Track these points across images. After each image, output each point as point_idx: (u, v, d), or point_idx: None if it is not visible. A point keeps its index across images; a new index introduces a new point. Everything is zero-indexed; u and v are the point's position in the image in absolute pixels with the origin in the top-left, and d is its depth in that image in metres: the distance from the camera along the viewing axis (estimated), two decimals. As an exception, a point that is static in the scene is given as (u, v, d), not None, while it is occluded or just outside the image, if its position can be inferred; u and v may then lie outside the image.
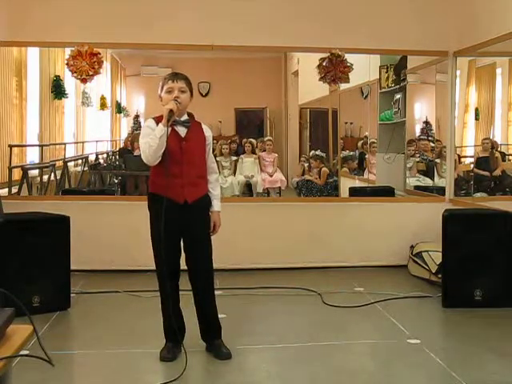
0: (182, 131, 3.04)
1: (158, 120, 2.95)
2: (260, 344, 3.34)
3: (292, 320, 3.82)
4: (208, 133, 3.16)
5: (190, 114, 3.12)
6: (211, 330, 3.17)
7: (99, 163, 6.63)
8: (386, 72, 6.09)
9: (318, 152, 6.45)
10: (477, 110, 5.42)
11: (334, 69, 5.14)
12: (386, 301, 4.17)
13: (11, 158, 5.52)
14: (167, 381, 2.77)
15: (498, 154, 5.19)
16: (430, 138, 6.04)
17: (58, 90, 6.13)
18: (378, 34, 5.10)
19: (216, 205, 3.15)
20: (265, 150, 6.53)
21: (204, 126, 3.17)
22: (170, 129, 2.91)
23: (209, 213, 3.14)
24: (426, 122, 6.10)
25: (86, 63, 4.84)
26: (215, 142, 6.23)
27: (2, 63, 5.45)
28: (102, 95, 6.51)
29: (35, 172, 5.82)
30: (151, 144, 2.89)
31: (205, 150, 3.12)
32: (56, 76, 6.12)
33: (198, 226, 3.09)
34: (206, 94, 6.50)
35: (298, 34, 5.07)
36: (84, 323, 3.75)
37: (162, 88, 3.05)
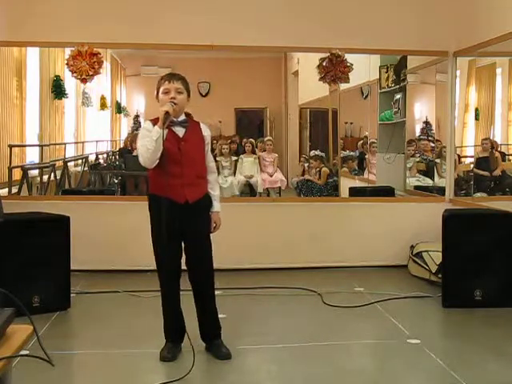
0: (179, 131, 3.03)
1: (154, 122, 2.94)
2: (260, 344, 3.34)
3: (292, 320, 3.82)
4: (206, 132, 3.15)
5: (187, 114, 3.12)
6: (211, 330, 3.17)
7: (99, 163, 6.63)
8: (386, 72, 6.09)
9: (318, 152, 6.45)
10: (477, 110, 5.42)
11: (333, 69, 5.14)
12: (386, 301, 4.17)
13: (11, 158, 5.52)
14: (167, 381, 2.78)
15: (497, 154, 5.19)
16: (430, 138, 6.04)
17: (58, 89, 6.12)
18: (378, 34, 5.10)
19: (216, 206, 3.15)
20: (265, 150, 6.52)
21: (202, 126, 3.16)
22: (166, 130, 2.90)
23: (209, 213, 3.14)
24: (426, 122, 6.09)
25: (86, 63, 4.84)
26: (215, 141, 6.22)
27: (2, 63, 5.45)
28: (102, 95, 6.50)
29: (35, 172, 5.82)
30: (148, 147, 2.89)
31: (204, 150, 3.11)
32: (56, 76, 6.12)
33: (199, 227, 3.09)
34: (206, 94, 6.49)
35: (298, 34, 5.07)
36: (84, 323, 3.75)
37: (159, 89, 3.04)
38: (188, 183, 3.01)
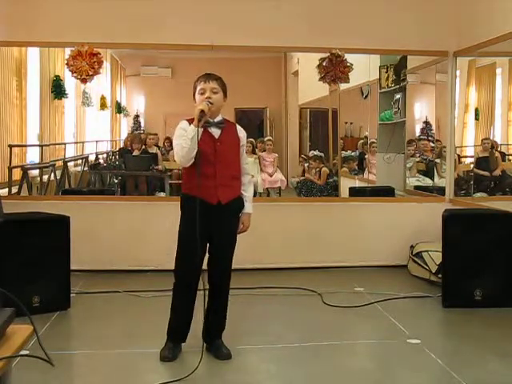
0: (215, 132, 3.04)
1: (190, 121, 2.95)
2: (260, 344, 3.34)
3: (292, 320, 3.83)
4: (242, 134, 3.16)
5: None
6: (216, 330, 3.17)
7: (99, 163, 6.63)
8: (386, 72, 6.09)
9: (316, 152, 6.45)
10: (477, 110, 5.42)
11: (333, 69, 5.14)
12: (386, 301, 4.17)
13: (11, 158, 5.52)
14: (167, 381, 2.78)
15: (497, 154, 5.19)
16: (429, 138, 6.04)
17: (57, 89, 6.12)
18: (378, 34, 5.10)
19: (248, 207, 3.17)
20: (265, 150, 6.52)
21: (238, 127, 3.17)
22: (201, 129, 2.91)
23: (239, 214, 3.14)
24: (426, 122, 6.09)
25: (85, 63, 4.84)
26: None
27: (2, 63, 5.45)
28: (102, 95, 6.50)
29: (35, 172, 5.82)
30: (183, 145, 2.89)
31: (239, 151, 3.12)
32: (56, 76, 6.12)
33: (228, 228, 3.10)
34: (206, 94, 6.49)
35: (298, 34, 5.07)
36: (84, 323, 3.75)
37: (195, 90, 3.05)
38: (221, 184, 3.01)
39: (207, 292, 3.09)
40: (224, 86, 3.09)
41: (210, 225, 2.98)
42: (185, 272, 3.06)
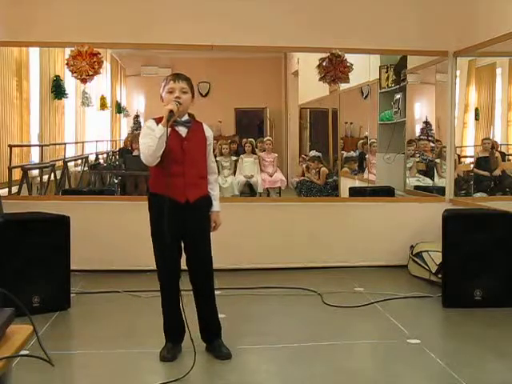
0: (182, 131, 3.04)
1: (158, 120, 2.95)
2: (260, 344, 3.34)
3: (292, 320, 3.83)
4: (208, 133, 3.16)
5: (190, 115, 3.13)
6: (211, 329, 3.17)
7: (99, 163, 6.64)
8: (386, 72, 6.09)
9: (315, 152, 6.46)
10: (477, 110, 5.43)
11: (333, 69, 5.13)
12: (386, 301, 4.17)
13: (11, 158, 5.52)
14: (167, 381, 2.78)
15: (497, 154, 5.19)
16: (429, 138, 6.04)
17: (58, 89, 6.13)
18: (378, 34, 5.10)
19: (216, 205, 3.16)
20: (264, 150, 6.53)
21: (205, 126, 3.17)
22: (169, 129, 2.90)
23: (209, 213, 3.15)
24: (426, 122, 6.10)
25: (86, 63, 4.84)
26: (215, 141, 6.23)
27: (2, 63, 5.45)
28: (102, 95, 6.51)
29: (35, 172, 5.82)
30: (150, 144, 2.89)
31: (206, 150, 3.12)
32: (56, 76, 6.13)
33: (199, 226, 3.09)
34: (206, 94, 6.49)
35: (298, 34, 5.07)
36: (84, 323, 3.75)
37: (164, 88, 3.05)
38: (190, 183, 3.01)
39: (191, 293, 3.11)
40: (192, 87, 3.09)
41: (181, 224, 2.98)
42: (163, 274, 3.08)
